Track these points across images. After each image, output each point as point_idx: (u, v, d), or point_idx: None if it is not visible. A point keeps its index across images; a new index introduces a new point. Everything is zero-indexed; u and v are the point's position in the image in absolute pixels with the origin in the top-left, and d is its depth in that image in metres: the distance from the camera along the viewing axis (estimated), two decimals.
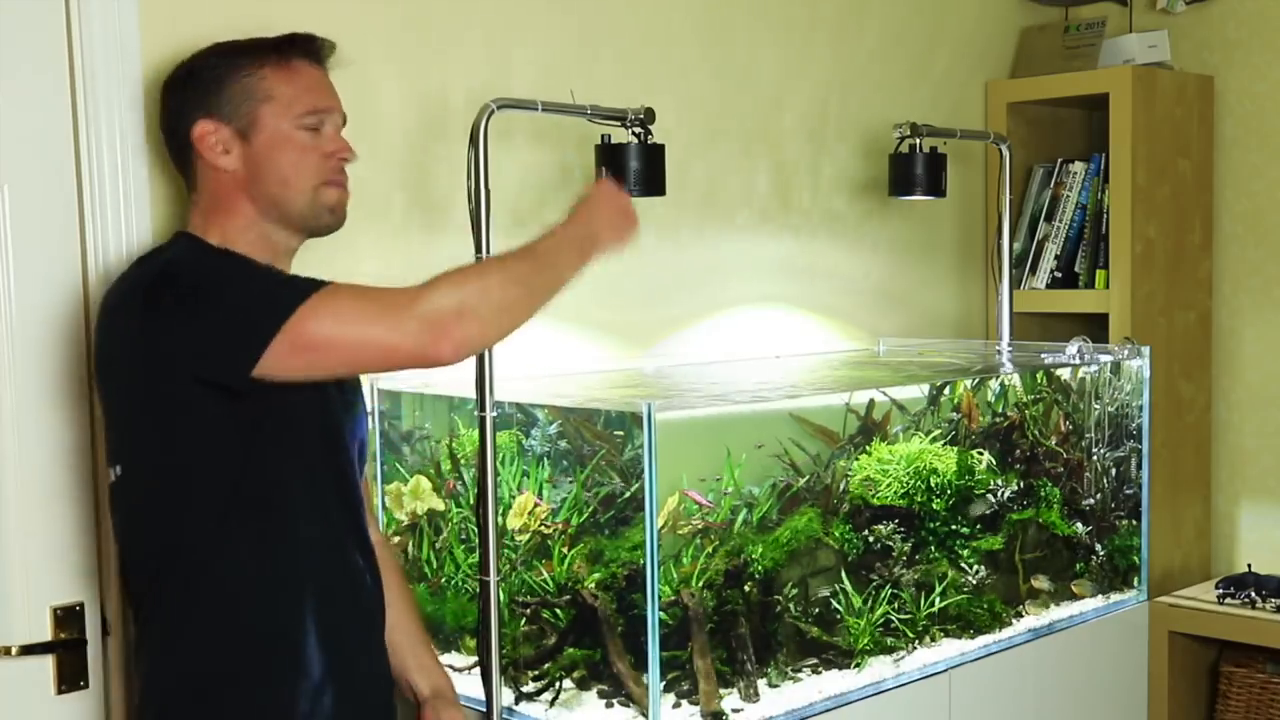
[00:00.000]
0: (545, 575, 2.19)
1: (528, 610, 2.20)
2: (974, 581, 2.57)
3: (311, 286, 1.63)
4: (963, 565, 2.57)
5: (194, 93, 1.80)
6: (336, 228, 1.85)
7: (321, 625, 1.73)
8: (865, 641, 2.36)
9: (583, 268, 1.79)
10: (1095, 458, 2.85)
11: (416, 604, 2.09)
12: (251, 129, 1.77)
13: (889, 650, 2.40)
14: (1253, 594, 3.03)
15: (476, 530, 2.10)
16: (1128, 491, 2.90)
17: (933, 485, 2.54)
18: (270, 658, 1.71)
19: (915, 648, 2.43)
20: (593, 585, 2.15)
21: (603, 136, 2.33)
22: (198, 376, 1.62)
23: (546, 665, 2.17)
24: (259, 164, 1.77)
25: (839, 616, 2.36)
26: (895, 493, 2.50)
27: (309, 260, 1.91)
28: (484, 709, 2.08)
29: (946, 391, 2.73)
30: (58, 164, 1.89)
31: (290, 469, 1.73)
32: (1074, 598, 2.79)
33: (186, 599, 1.70)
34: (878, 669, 2.36)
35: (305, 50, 1.83)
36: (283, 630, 1.71)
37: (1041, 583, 2.70)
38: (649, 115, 2.31)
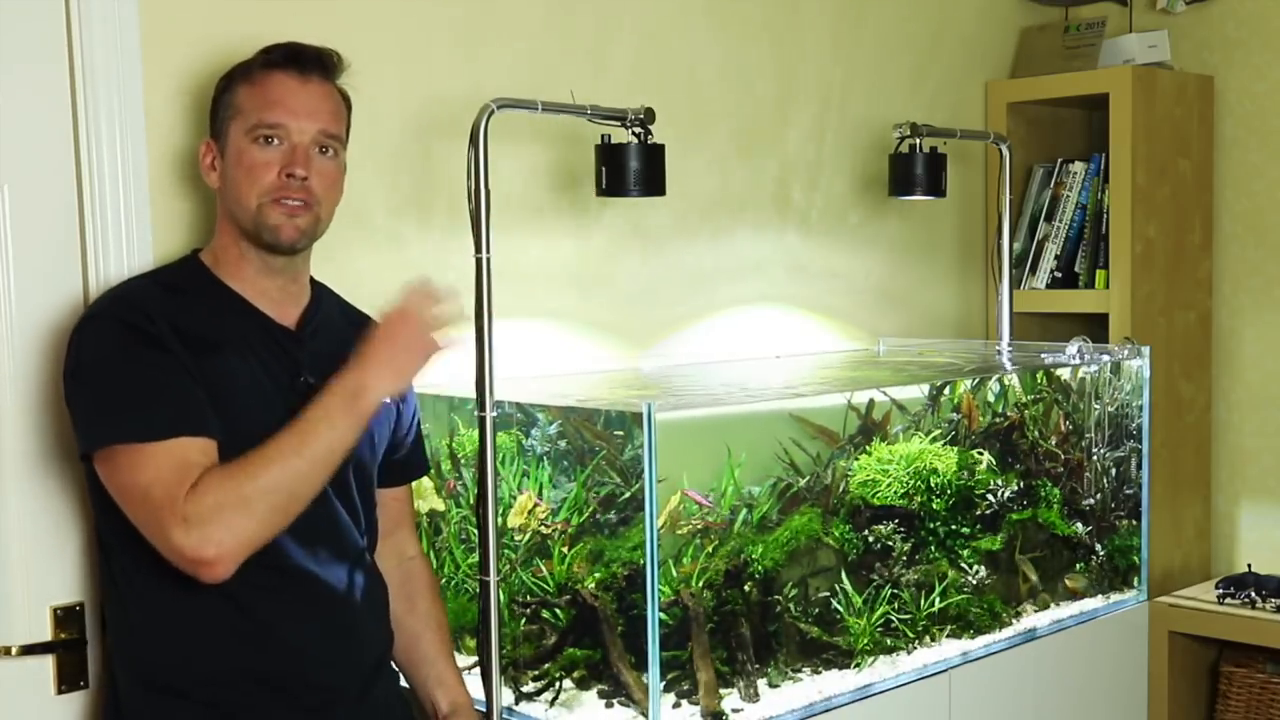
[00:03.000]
0: (545, 575, 2.19)
1: (528, 610, 2.20)
2: (974, 581, 2.57)
3: (150, 430, 1.59)
4: (963, 565, 2.57)
5: (210, 116, 1.82)
6: (287, 250, 1.75)
7: (263, 633, 1.71)
8: (865, 641, 2.36)
9: (361, 423, 1.67)
10: (1095, 458, 2.85)
11: (444, 618, 2.04)
12: (224, 144, 1.77)
13: (889, 650, 2.40)
14: (1253, 594, 3.03)
15: (476, 530, 2.10)
16: (1128, 491, 2.90)
17: (933, 485, 2.54)
18: (195, 659, 1.70)
19: (915, 648, 2.43)
20: (593, 585, 2.15)
21: (603, 136, 2.33)
22: None
23: (546, 665, 2.17)
24: (226, 179, 1.76)
25: (839, 616, 2.36)
26: (895, 493, 2.50)
27: (311, 262, 1.91)
28: (484, 709, 2.08)
29: (946, 391, 2.73)
30: (58, 164, 1.89)
31: None
32: (1070, 594, 2.79)
33: (129, 596, 1.72)
34: (878, 669, 2.36)
35: (289, 61, 1.75)
36: (221, 634, 1.69)
37: (1031, 573, 2.70)
38: (649, 115, 2.31)
